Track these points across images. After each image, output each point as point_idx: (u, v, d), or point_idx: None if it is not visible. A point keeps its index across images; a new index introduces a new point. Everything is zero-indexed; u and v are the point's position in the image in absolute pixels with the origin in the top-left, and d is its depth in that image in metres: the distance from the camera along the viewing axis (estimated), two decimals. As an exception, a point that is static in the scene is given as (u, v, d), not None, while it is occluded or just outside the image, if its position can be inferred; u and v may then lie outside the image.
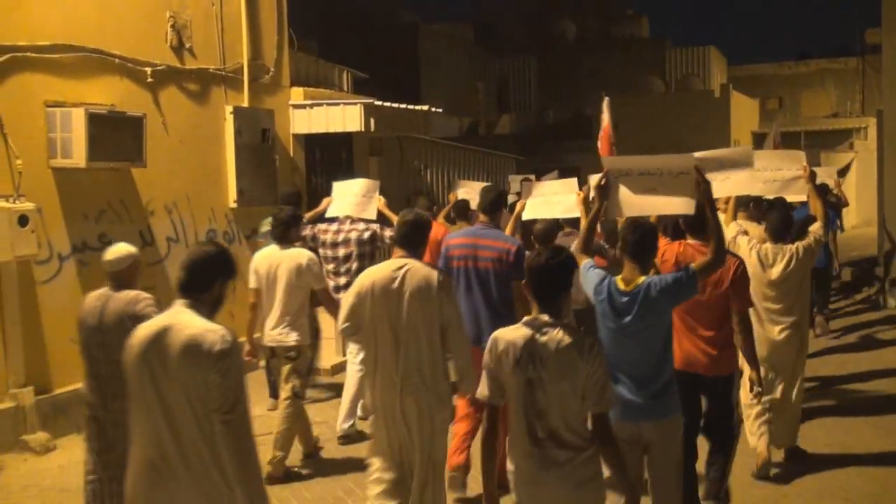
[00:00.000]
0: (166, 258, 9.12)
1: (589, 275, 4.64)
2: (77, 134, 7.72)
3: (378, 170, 13.86)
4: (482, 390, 3.87)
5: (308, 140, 11.43)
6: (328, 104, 11.11)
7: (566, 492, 3.70)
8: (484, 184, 9.04)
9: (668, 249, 5.53)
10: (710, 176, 4.96)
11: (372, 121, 11.02)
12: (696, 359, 5.36)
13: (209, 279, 3.70)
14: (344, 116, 11.01)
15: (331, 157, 12.19)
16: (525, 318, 3.85)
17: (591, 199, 5.71)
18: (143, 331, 3.63)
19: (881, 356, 10.25)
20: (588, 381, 3.67)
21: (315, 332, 8.43)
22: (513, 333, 3.79)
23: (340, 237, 7.89)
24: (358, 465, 6.06)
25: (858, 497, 6.18)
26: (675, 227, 5.89)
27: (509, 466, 3.86)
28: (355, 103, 11.15)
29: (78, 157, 7.76)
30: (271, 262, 6.86)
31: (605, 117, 9.00)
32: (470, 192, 9.46)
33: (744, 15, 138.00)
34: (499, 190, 6.91)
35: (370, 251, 7.89)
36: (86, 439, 5.29)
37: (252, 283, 6.93)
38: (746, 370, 5.66)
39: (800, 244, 6.70)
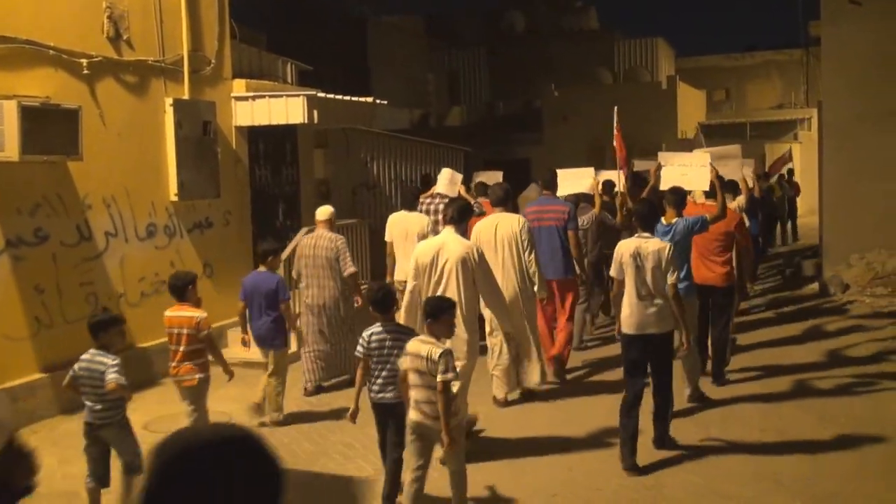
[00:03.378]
0: (105, 253, 8.96)
1: None
2: (9, 127, 7.52)
3: (323, 162, 13.76)
4: (613, 271, 6.84)
5: (251, 132, 11.30)
6: (270, 96, 10.99)
7: (655, 320, 6.62)
8: (497, 172, 12.46)
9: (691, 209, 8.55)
10: (714, 164, 8.68)
11: (315, 113, 10.91)
12: (710, 276, 8.61)
13: (465, 217, 7.33)
14: (287, 108, 10.89)
15: (275, 148, 12.08)
16: (637, 234, 6.80)
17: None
18: (429, 243, 7.30)
19: (820, 345, 10.46)
20: (667, 266, 6.60)
21: None
22: (629, 242, 6.82)
23: (432, 207, 10.45)
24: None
25: (791, 480, 6.31)
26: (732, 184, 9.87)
27: (623, 311, 6.75)
28: (298, 95, 11.02)
29: (10, 150, 7.56)
30: (403, 222, 9.78)
31: (615, 123, 10.97)
32: (491, 178, 12.07)
33: (693, 7, 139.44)
34: (553, 171, 9.66)
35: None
36: (303, 325, 8.99)
37: (388, 238, 9.85)
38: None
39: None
